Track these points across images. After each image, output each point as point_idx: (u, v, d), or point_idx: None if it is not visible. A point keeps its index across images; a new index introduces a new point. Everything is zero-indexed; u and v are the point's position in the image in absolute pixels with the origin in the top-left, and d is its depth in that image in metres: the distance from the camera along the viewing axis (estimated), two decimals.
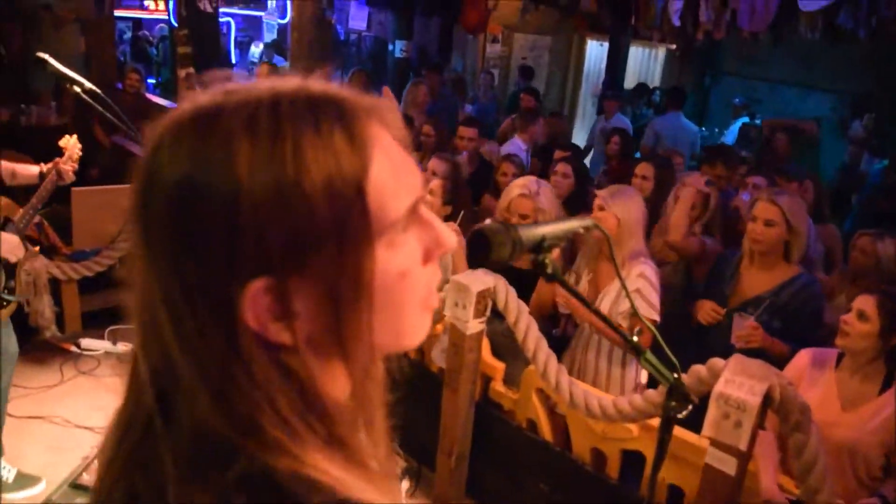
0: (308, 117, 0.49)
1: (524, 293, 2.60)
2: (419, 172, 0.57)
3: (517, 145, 4.94)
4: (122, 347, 3.81)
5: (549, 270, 1.01)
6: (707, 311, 2.72)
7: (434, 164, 3.38)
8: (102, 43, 6.50)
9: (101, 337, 3.87)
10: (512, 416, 2.71)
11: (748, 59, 8.36)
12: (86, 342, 3.83)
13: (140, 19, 11.24)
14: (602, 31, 8.73)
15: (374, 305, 0.51)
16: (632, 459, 2.37)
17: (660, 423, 1.24)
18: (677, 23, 5.40)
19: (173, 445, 0.49)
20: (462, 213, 3.25)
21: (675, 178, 3.65)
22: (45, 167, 2.88)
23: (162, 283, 0.50)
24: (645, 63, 10.06)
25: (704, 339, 2.73)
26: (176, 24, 6.77)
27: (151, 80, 9.33)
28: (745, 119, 7.59)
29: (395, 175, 0.52)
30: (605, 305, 2.64)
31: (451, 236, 0.57)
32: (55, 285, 3.68)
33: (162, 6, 10.02)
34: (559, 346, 2.80)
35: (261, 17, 11.96)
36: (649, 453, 2.27)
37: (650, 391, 2.16)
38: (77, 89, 2.34)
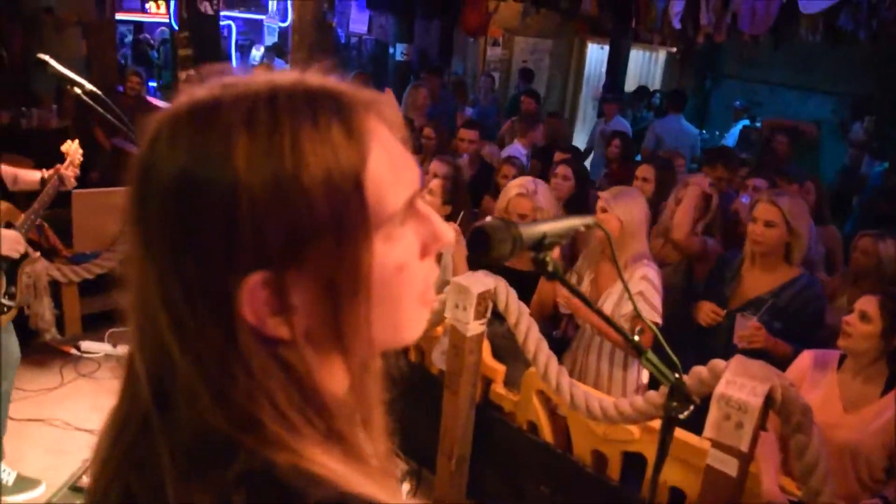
0: (306, 111, 0.49)
1: (525, 295, 2.60)
2: (417, 167, 0.56)
3: (517, 150, 4.94)
4: (123, 350, 3.80)
5: (550, 268, 1.00)
6: (706, 312, 2.71)
7: (435, 165, 3.38)
8: (103, 46, 6.52)
9: (102, 339, 3.87)
10: (513, 417, 2.71)
11: (749, 62, 8.37)
12: (86, 345, 3.83)
13: (141, 22, 11.29)
14: (603, 34, 8.76)
15: (371, 299, 0.51)
16: (633, 461, 2.36)
17: (661, 423, 1.24)
18: (678, 26, 5.41)
19: (171, 444, 0.49)
20: (462, 213, 3.25)
21: (676, 179, 3.65)
22: (46, 173, 2.85)
23: (160, 280, 0.49)
24: (645, 66, 10.08)
25: (705, 341, 2.72)
26: (177, 27, 6.78)
27: (152, 83, 9.38)
28: (746, 122, 7.60)
29: (392, 169, 0.52)
30: (607, 307, 2.63)
31: (448, 231, 0.57)
32: (55, 288, 3.68)
33: (163, 9, 10.04)
34: (560, 347, 2.80)
35: (262, 20, 11.97)
36: (650, 455, 2.26)
37: (651, 392, 2.16)
38: (78, 91, 2.34)
